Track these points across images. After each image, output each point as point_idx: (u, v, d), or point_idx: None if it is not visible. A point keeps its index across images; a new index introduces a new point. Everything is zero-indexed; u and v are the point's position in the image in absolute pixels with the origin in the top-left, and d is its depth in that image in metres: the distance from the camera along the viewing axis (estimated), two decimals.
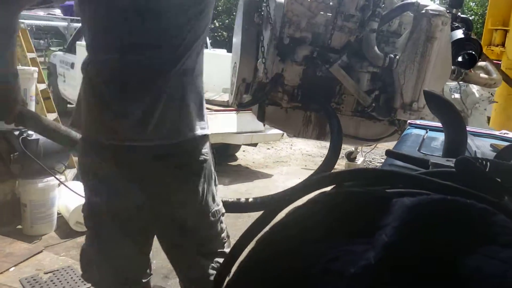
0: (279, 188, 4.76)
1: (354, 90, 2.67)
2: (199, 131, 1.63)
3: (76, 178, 4.16)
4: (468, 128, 1.53)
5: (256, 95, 2.73)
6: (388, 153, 1.00)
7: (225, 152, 6.47)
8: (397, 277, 0.43)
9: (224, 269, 0.55)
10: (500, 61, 3.97)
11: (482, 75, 3.20)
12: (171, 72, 1.55)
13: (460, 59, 2.90)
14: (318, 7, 2.55)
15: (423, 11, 2.60)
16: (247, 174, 6.19)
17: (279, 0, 2.53)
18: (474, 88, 3.53)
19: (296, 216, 0.51)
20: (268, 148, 7.54)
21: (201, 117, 1.66)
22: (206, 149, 1.69)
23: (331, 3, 2.54)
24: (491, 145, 1.26)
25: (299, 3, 2.51)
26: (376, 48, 2.60)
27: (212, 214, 1.70)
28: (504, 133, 1.50)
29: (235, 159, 6.86)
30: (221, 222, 1.76)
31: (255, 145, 6.72)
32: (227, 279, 0.53)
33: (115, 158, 1.57)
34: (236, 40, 2.84)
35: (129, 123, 1.54)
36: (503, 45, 3.89)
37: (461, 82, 3.42)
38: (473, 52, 2.93)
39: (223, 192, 4.76)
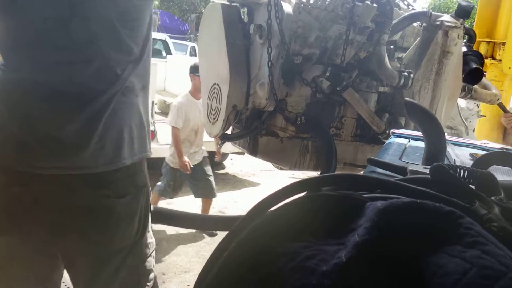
0: None
1: (367, 115, 2.34)
2: (137, 156, 1.51)
3: None
4: (448, 138, 1.57)
5: (250, 125, 2.33)
6: (370, 160, 1.03)
7: (212, 160, 6.48)
8: (367, 275, 0.45)
9: (205, 270, 0.56)
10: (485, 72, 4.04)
11: (485, 91, 3.03)
12: (105, 91, 1.39)
13: (465, 74, 2.59)
14: (328, 17, 2.17)
15: (438, 23, 2.33)
16: (234, 182, 6.20)
17: (287, 9, 2.11)
18: (463, 103, 3.44)
19: (273, 217, 0.53)
20: None
21: (141, 140, 1.53)
22: (144, 178, 1.55)
23: (340, 13, 2.19)
24: (471, 154, 1.29)
25: (307, 12, 2.14)
26: (388, 64, 2.28)
27: (145, 246, 1.59)
28: (485, 143, 1.53)
29: (223, 167, 6.88)
30: (152, 258, 1.64)
31: (242, 153, 6.74)
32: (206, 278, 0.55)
33: (34, 189, 1.37)
34: (213, 57, 2.38)
35: (58, 149, 1.36)
36: (490, 57, 3.95)
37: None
38: (480, 67, 2.70)
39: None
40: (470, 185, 0.72)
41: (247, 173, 6.75)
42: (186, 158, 4.40)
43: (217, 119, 2.31)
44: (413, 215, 0.49)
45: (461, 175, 0.72)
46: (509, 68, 3.85)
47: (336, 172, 2.21)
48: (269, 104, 2.16)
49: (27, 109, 1.35)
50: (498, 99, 3.13)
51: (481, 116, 3.56)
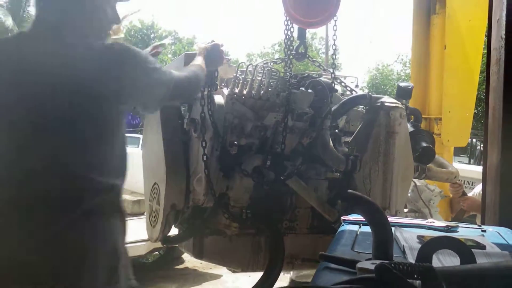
0: None
1: (318, 204, 2.26)
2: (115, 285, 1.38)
3: None
4: (394, 220, 1.62)
5: (192, 224, 2.19)
6: (321, 256, 1.05)
7: (170, 255, 6.24)
8: None
9: None
10: None
11: (441, 169, 3.04)
12: (69, 214, 1.33)
13: (417, 153, 2.62)
14: (264, 106, 2.18)
15: (379, 104, 2.34)
16: (194, 277, 5.98)
17: (219, 101, 2.12)
18: (423, 184, 3.41)
19: None
20: None
21: (113, 271, 1.40)
22: None
23: (277, 101, 2.19)
24: (418, 237, 1.33)
25: (241, 103, 2.13)
26: (334, 149, 2.25)
27: None
28: (431, 222, 1.60)
29: (182, 261, 6.65)
30: None
31: None
32: None
33: None
34: (152, 155, 2.29)
35: (11, 277, 1.29)
36: None
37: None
38: (430, 145, 2.72)
39: None
40: (416, 280, 0.75)
41: (208, 265, 6.54)
42: None
43: (156, 221, 2.17)
44: None
45: (405, 270, 0.75)
46: (448, 140, 4.09)
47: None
48: (207, 200, 2.08)
49: None
50: (455, 177, 3.15)
51: (444, 196, 3.55)
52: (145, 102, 1.56)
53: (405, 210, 3.12)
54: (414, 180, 3.06)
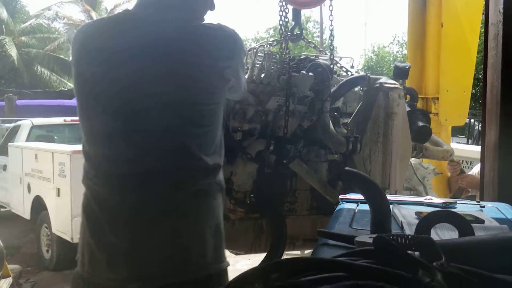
0: None
1: (320, 186, 2.28)
2: (214, 266, 1.42)
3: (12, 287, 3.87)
4: (393, 197, 1.61)
5: None
6: (319, 232, 1.04)
7: None
8: None
9: None
10: None
11: (437, 148, 3.06)
12: (180, 191, 1.39)
13: (413, 133, 2.62)
14: (265, 90, 2.18)
15: (377, 85, 2.34)
16: None
17: None
18: (417, 161, 3.45)
19: None
20: None
21: (217, 249, 1.45)
22: None
23: (277, 85, 2.20)
24: (416, 213, 1.33)
25: None
26: (334, 131, 2.26)
27: None
28: (429, 199, 1.59)
29: None
30: None
31: None
32: None
33: None
34: None
35: (140, 261, 1.36)
36: None
37: None
38: (427, 125, 2.73)
39: None
40: (414, 252, 0.74)
41: None
42: None
43: None
44: None
45: (404, 242, 0.74)
46: (445, 120, 4.09)
47: (281, 258, 2.12)
48: None
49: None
50: (451, 155, 3.19)
51: (438, 173, 3.58)
52: (240, 84, 1.55)
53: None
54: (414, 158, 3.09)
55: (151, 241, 1.37)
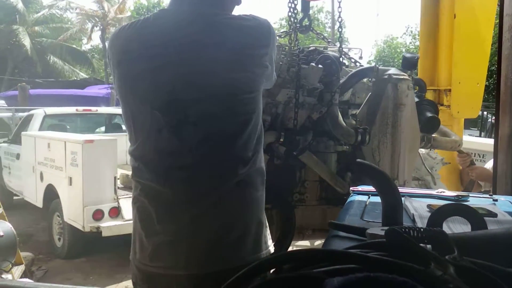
0: None
1: (329, 177, 2.30)
2: (253, 256, 1.46)
3: (24, 275, 3.93)
4: (405, 190, 1.61)
5: None
6: (331, 224, 1.04)
7: None
8: None
9: None
10: None
11: (445, 138, 3.04)
12: (225, 182, 1.43)
13: (422, 123, 2.60)
14: (275, 82, 1.99)
15: (386, 77, 2.34)
16: None
17: None
18: (426, 152, 3.43)
19: None
20: None
21: (259, 237, 1.51)
22: None
23: (287, 77, 2.21)
24: (428, 206, 1.32)
25: None
26: (343, 123, 2.27)
27: None
28: (441, 192, 1.58)
29: None
30: None
31: None
32: None
33: None
34: None
35: (185, 249, 1.42)
36: (438, 104, 4.12)
37: None
38: (435, 115, 2.72)
39: None
40: (426, 245, 0.73)
41: None
42: None
43: None
44: None
45: (416, 235, 0.74)
46: (458, 112, 4.05)
47: (292, 249, 2.13)
48: None
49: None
50: (459, 145, 3.15)
51: (445, 163, 3.56)
52: (273, 71, 1.59)
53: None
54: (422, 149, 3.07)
55: (196, 231, 1.42)
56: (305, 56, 2.40)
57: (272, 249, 1.57)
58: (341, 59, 2.47)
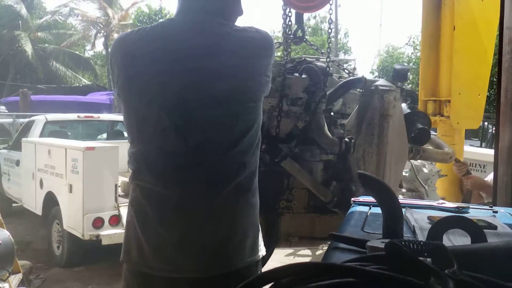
0: None
1: (312, 185, 2.33)
2: (250, 258, 1.51)
3: (21, 284, 3.90)
4: (405, 201, 1.61)
5: None
6: (331, 236, 1.04)
7: None
8: None
9: None
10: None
11: (436, 150, 3.04)
12: (224, 186, 1.45)
13: (412, 135, 2.65)
14: None
15: (373, 88, 2.37)
16: None
17: None
18: (421, 163, 3.46)
19: None
20: None
21: (255, 240, 1.55)
22: None
23: (272, 86, 2.09)
24: (428, 218, 1.32)
25: None
26: (328, 132, 2.31)
27: None
28: (441, 203, 1.58)
29: None
30: None
31: None
32: None
33: None
34: None
35: (188, 252, 1.44)
36: (438, 114, 4.13)
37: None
38: (425, 127, 2.73)
39: None
40: (426, 258, 0.73)
41: None
42: None
43: None
44: None
45: (415, 248, 0.74)
46: (457, 123, 4.05)
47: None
48: None
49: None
50: (451, 157, 3.15)
51: (442, 175, 3.58)
52: (270, 80, 1.62)
53: (403, 190, 3.14)
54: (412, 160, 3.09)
55: (200, 234, 1.44)
56: (293, 66, 2.44)
57: (265, 251, 1.61)
58: (328, 69, 2.48)
